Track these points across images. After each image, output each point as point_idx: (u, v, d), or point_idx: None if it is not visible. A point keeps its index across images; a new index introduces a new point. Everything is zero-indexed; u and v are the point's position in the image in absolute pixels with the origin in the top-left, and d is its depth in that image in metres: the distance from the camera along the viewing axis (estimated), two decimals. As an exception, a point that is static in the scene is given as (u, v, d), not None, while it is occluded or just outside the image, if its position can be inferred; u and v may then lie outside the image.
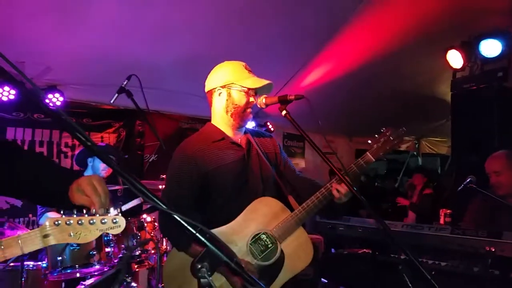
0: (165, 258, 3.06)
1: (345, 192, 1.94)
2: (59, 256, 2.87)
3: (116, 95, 3.31)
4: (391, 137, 2.00)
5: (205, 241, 1.08)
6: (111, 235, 3.15)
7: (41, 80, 3.94)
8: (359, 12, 4.23)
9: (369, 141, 2.02)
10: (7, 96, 3.73)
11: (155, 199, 1.07)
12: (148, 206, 3.62)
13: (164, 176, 3.41)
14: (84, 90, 4.43)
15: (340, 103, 5.86)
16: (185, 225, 1.07)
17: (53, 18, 3.39)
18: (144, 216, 3.42)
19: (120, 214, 1.18)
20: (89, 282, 3.06)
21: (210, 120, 2.23)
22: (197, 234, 1.08)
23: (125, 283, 3.14)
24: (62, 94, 4.04)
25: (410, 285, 2.30)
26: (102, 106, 4.85)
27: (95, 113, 4.92)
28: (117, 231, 1.17)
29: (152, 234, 3.36)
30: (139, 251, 3.30)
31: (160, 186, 3.37)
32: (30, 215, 4.19)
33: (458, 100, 4.68)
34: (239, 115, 2.10)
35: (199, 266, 1.08)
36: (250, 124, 5.50)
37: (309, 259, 2.03)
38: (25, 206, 4.25)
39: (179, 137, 5.25)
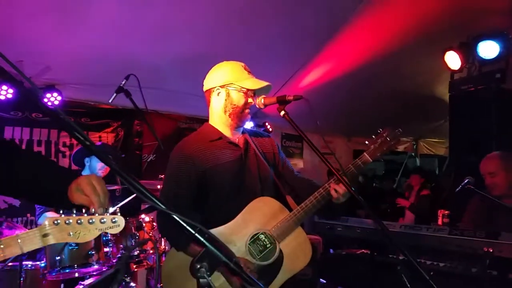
0: (163, 258, 3.06)
1: (343, 192, 1.94)
2: (57, 256, 2.86)
3: (115, 94, 3.31)
4: (388, 138, 2.01)
5: (204, 241, 1.08)
6: (109, 235, 3.15)
7: (39, 79, 3.93)
8: (359, 12, 4.24)
9: (366, 142, 2.04)
10: (5, 95, 3.72)
11: (154, 199, 1.07)
12: (147, 206, 3.62)
13: (162, 176, 3.41)
14: (83, 89, 4.42)
15: (338, 103, 5.87)
16: (184, 225, 1.07)
17: (52, 17, 3.39)
18: (143, 216, 3.42)
19: (119, 213, 1.18)
20: (87, 282, 3.06)
21: (208, 120, 2.23)
22: (196, 234, 1.08)
23: (123, 283, 3.14)
24: (60, 94, 4.02)
25: (408, 285, 2.30)
26: (100, 106, 4.83)
27: (93, 113, 4.90)
28: (116, 230, 1.17)
29: (150, 234, 3.36)
30: (138, 251, 3.30)
31: (159, 186, 3.37)
32: (28, 215, 4.18)
33: (456, 101, 4.69)
34: (237, 116, 2.11)
35: (198, 266, 1.08)
36: (249, 124, 5.52)
37: (307, 259, 2.04)
38: (23, 206, 4.24)
39: (177, 137, 5.25)
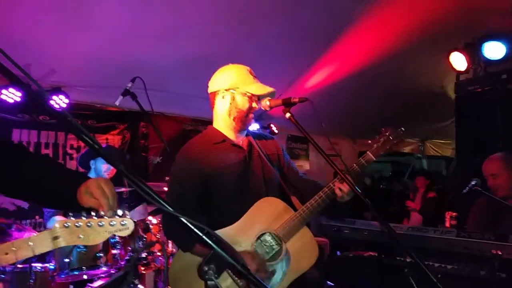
0: (171, 260, 3.07)
1: (347, 191, 1.95)
2: (66, 258, 2.89)
3: (121, 97, 3.33)
4: (390, 137, 2.03)
5: (212, 244, 1.09)
6: (117, 237, 3.17)
7: (46, 82, 3.96)
8: (363, 12, 4.23)
9: (369, 141, 2.07)
10: (13, 98, 3.75)
11: (161, 201, 1.07)
12: (154, 208, 3.63)
13: (168, 178, 3.43)
14: (89, 92, 4.45)
15: (343, 105, 5.85)
16: (192, 227, 1.08)
17: (59, 21, 3.42)
18: (150, 218, 3.43)
19: (128, 216, 1.19)
20: (96, 284, 3.08)
21: (212, 122, 2.25)
22: (204, 237, 1.09)
23: (132, 285, 3.15)
24: (67, 96, 4.05)
25: (415, 288, 2.29)
26: (106, 108, 4.87)
27: (100, 115, 4.94)
28: (126, 233, 1.17)
29: (158, 236, 3.37)
30: (146, 253, 3.31)
31: (165, 188, 3.38)
32: (37, 217, 4.20)
33: (462, 103, 4.67)
34: (241, 120, 2.12)
35: (206, 269, 1.09)
36: (254, 126, 5.52)
37: (314, 258, 2.04)
38: (32, 208, 4.27)
39: (182, 139, 5.26)
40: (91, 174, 3.70)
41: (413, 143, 8.31)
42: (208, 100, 2.22)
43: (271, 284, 1.95)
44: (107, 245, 3.05)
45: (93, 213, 1.17)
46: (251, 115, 2.14)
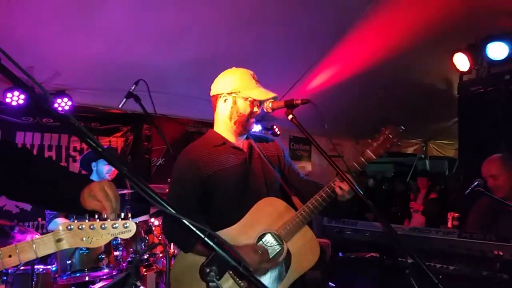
0: (173, 262, 3.08)
1: (348, 190, 1.96)
2: (68, 260, 2.89)
3: (124, 100, 3.35)
4: (390, 135, 2.03)
5: (213, 245, 1.09)
6: (119, 239, 3.18)
7: (49, 85, 3.98)
8: (366, 14, 4.23)
9: (369, 140, 2.06)
10: (17, 101, 3.77)
11: (164, 203, 1.08)
12: (156, 209, 3.64)
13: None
14: (92, 94, 4.46)
15: (346, 106, 5.85)
16: (194, 229, 1.09)
17: (62, 24, 3.44)
18: (152, 220, 3.44)
19: (130, 219, 1.20)
20: (98, 285, 3.09)
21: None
22: (206, 239, 1.09)
23: (133, 287, 3.16)
24: (70, 99, 4.07)
25: (417, 289, 2.29)
26: (110, 110, 4.89)
27: (103, 117, 4.96)
28: (128, 235, 1.19)
29: (160, 238, 3.37)
30: (147, 255, 3.32)
31: (167, 190, 3.39)
32: (40, 219, 4.23)
33: (465, 103, 4.66)
34: (242, 124, 2.13)
35: (208, 270, 1.09)
36: (257, 128, 5.54)
37: (315, 257, 2.04)
38: (34, 210, 4.29)
39: (185, 140, 5.28)
40: (93, 176, 3.71)
41: (416, 143, 8.30)
42: (211, 102, 2.24)
43: (272, 284, 1.96)
44: (109, 246, 3.05)
45: (96, 216, 1.18)
46: (252, 120, 2.15)
